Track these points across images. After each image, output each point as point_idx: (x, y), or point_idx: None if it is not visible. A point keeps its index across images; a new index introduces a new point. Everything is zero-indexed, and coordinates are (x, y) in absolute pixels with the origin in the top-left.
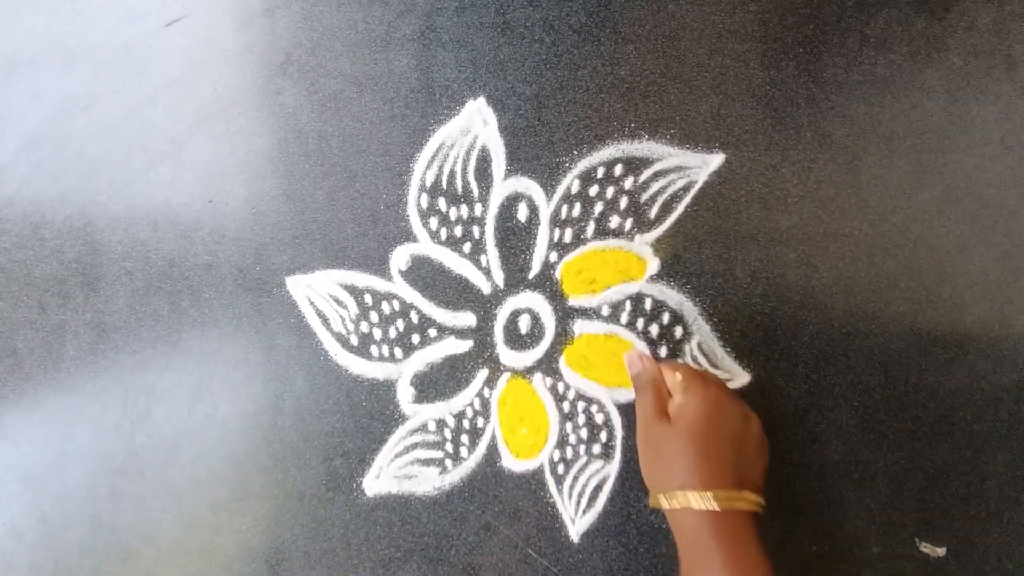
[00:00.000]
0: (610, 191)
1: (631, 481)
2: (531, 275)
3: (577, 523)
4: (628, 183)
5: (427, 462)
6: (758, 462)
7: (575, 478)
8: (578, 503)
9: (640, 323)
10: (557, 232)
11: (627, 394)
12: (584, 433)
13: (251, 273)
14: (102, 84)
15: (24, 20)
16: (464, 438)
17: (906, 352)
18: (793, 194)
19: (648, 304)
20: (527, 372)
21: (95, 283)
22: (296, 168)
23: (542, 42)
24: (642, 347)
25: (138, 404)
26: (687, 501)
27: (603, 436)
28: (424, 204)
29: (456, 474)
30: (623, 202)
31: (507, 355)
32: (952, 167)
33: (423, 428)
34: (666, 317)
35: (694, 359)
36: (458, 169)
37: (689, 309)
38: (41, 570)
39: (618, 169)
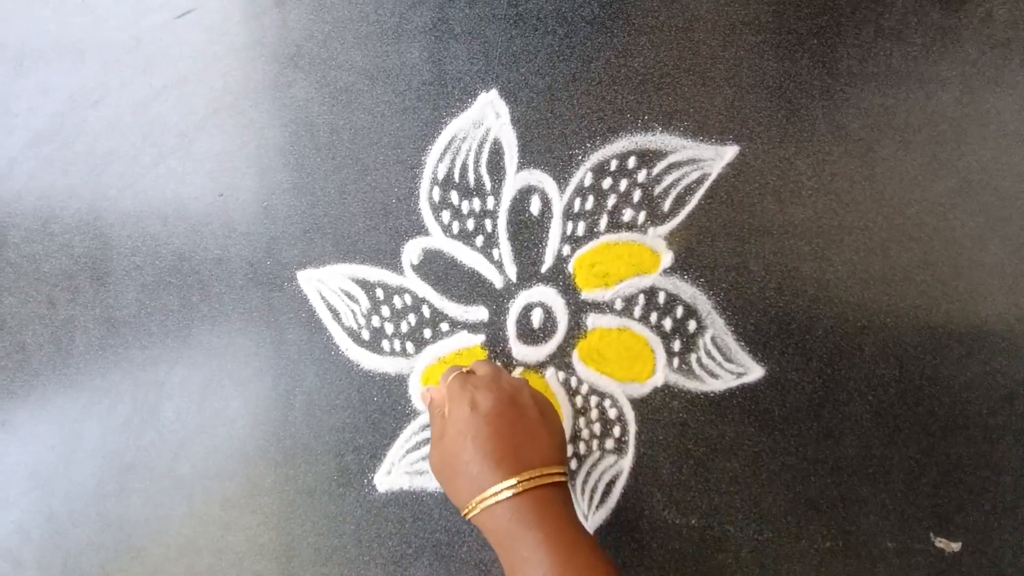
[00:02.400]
0: (623, 184)
1: (644, 476)
2: (544, 269)
3: (590, 518)
4: (641, 176)
5: None
6: (542, 435)
7: (588, 473)
8: (591, 498)
9: (653, 317)
10: (570, 225)
11: (640, 388)
12: (597, 428)
13: (262, 267)
14: (111, 78)
15: (33, 14)
16: None
17: (921, 346)
18: (807, 186)
19: (661, 298)
20: (539, 367)
21: (105, 278)
22: (307, 161)
23: (555, 34)
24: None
25: (148, 400)
26: (482, 504)
27: (616, 431)
28: (436, 197)
29: None
30: (636, 195)
31: (519, 349)
32: (967, 159)
33: None
34: (680, 311)
35: (707, 353)
36: (470, 162)
37: (703, 302)
38: (49, 568)
39: (631, 162)
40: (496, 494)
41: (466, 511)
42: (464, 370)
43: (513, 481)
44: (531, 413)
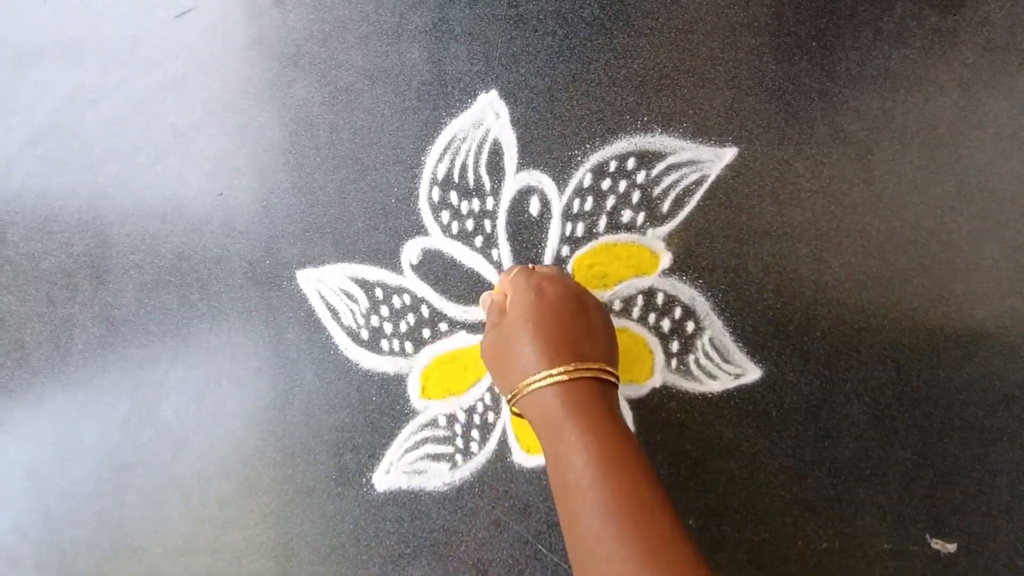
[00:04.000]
0: (622, 185)
1: None
2: None
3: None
4: (640, 177)
5: (437, 457)
6: (601, 336)
7: None
8: None
9: (652, 318)
10: (569, 226)
11: (638, 389)
12: None
13: (261, 267)
14: (110, 77)
15: (32, 13)
16: (474, 433)
17: (918, 348)
18: (806, 189)
19: (660, 299)
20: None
21: (103, 276)
22: (307, 161)
23: (555, 35)
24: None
25: (146, 399)
26: (533, 386)
27: None
28: (436, 197)
29: (466, 469)
30: (635, 196)
31: None
32: (965, 162)
33: (433, 423)
34: (678, 312)
35: (706, 354)
36: (470, 162)
37: (701, 304)
38: (46, 566)
39: (631, 163)
40: (549, 376)
41: (513, 394)
42: (530, 267)
43: (570, 367)
44: (593, 313)
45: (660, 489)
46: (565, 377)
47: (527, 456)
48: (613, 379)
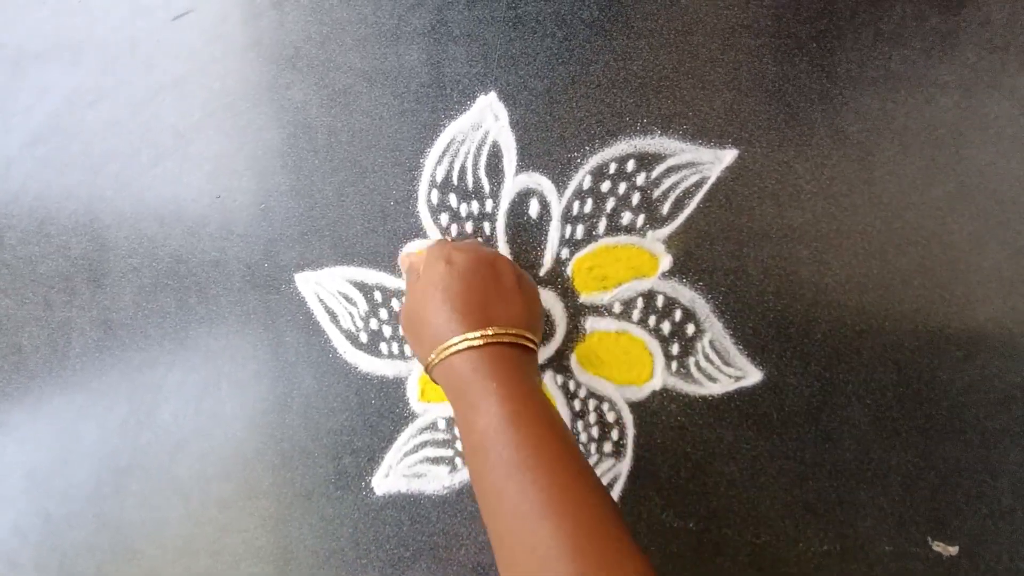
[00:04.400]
0: (622, 187)
1: (642, 480)
2: (542, 272)
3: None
4: (640, 179)
5: (437, 460)
6: (516, 301)
7: None
8: None
9: (652, 320)
10: (568, 228)
11: (638, 392)
12: (595, 431)
13: (259, 270)
14: (108, 79)
15: (30, 14)
16: None
17: (919, 350)
18: (806, 190)
19: (660, 301)
20: (538, 370)
21: (101, 279)
22: (305, 163)
23: (554, 36)
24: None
25: (144, 402)
26: (444, 353)
27: (614, 435)
28: (435, 200)
29: (466, 473)
30: (635, 198)
31: None
32: (966, 163)
33: (432, 426)
34: (678, 314)
35: (706, 356)
36: (469, 165)
37: (701, 306)
38: (46, 569)
39: (630, 165)
40: (457, 344)
41: (428, 363)
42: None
43: (476, 333)
44: (507, 278)
45: (568, 443)
46: (478, 343)
47: None
48: (530, 344)
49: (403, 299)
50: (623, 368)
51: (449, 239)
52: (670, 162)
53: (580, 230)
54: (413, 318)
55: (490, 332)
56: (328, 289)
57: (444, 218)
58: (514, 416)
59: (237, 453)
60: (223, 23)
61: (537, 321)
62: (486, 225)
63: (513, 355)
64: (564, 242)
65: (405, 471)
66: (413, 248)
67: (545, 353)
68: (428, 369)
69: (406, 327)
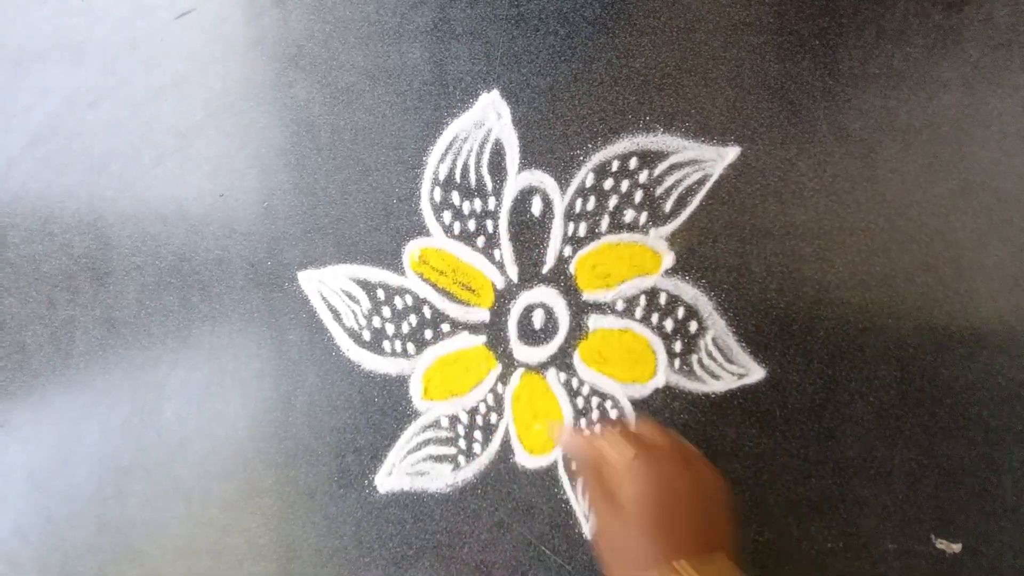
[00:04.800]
0: (625, 185)
1: None
2: (545, 269)
3: (591, 520)
4: (643, 176)
5: (440, 459)
6: (723, 524)
7: None
8: None
9: (655, 318)
10: (571, 226)
11: (642, 390)
12: (598, 429)
13: (262, 268)
14: (110, 78)
15: (31, 14)
16: (477, 434)
17: (922, 347)
18: (809, 188)
19: (663, 299)
20: (541, 367)
21: (104, 278)
22: (308, 162)
23: (556, 34)
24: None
25: (147, 401)
26: None
27: None
28: (437, 198)
29: (469, 471)
30: (638, 196)
31: (521, 350)
32: (969, 161)
33: (436, 424)
34: (681, 311)
35: (709, 354)
36: (472, 162)
37: (704, 303)
38: (47, 570)
39: (633, 162)
40: None
41: None
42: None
43: (689, 564)
44: (718, 503)
45: None
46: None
47: (530, 457)
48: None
49: (596, 514)
50: (626, 366)
51: (634, 432)
52: (673, 160)
53: (583, 228)
54: (617, 542)
55: (703, 559)
56: (331, 287)
57: (447, 216)
58: None
59: (240, 452)
60: (225, 22)
61: (730, 532)
62: (489, 223)
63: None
64: (567, 240)
65: (408, 469)
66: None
67: (548, 351)
68: None
69: (606, 548)
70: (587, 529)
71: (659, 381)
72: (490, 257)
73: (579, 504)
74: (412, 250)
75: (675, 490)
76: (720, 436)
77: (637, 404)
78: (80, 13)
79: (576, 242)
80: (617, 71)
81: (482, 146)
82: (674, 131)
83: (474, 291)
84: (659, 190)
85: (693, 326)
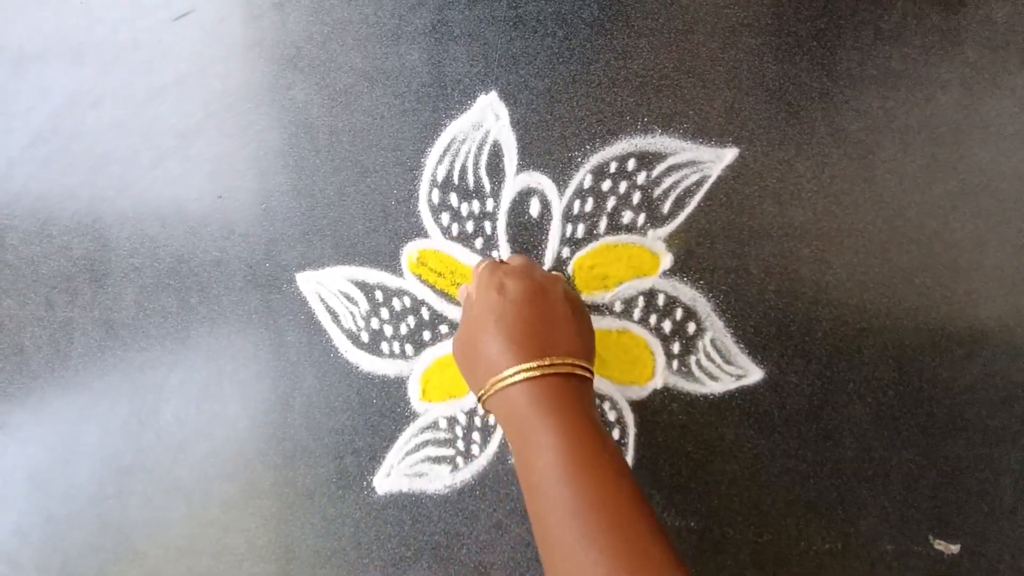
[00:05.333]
0: (623, 186)
1: (644, 478)
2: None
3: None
4: (641, 178)
5: (438, 460)
6: (570, 330)
7: None
8: None
9: (653, 319)
10: (569, 227)
11: (640, 391)
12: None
13: (261, 269)
14: (110, 79)
15: (31, 15)
16: (475, 435)
17: (920, 348)
18: (807, 189)
19: (661, 300)
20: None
21: (103, 280)
22: (306, 163)
23: (554, 36)
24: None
25: (146, 402)
26: (499, 384)
27: (616, 433)
28: (435, 199)
29: (467, 472)
30: (636, 197)
31: None
32: (967, 161)
33: (434, 425)
34: (679, 313)
35: (707, 355)
36: (470, 164)
37: (702, 305)
38: (48, 570)
39: (631, 164)
40: (513, 375)
41: (481, 394)
42: (497, 259)
43: (532, 364)
44: (560, 305)
45: (632, 488)
46: (533, 374)
47: None
48: (586, 374)
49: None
50: (624, 367)
51: (500, 259)
52: (671, 161)
53: (581, 229)
54: (466, 348)
55: (547, 362)
56: (329, 288)
57: (445, 217)
58: (574, 458)
59: (239, 453)
60: (224, 23)
61: (591, 348)
62: (487, 224)
63: (570, 386)
64: (565, 241)
65: (406, 470)
66: (464, 284)
67: None
68: (481, 400)
69: (458, 356)
70: None
71: (657, 382)
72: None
73: None
74: (410, 251)
75: (514, 291)
76: (718, 437)
77: (635, 405)
78: (80, 14)
79: (574, 243)
80: (615, 73)
81: (480, 148)
82: (672, 132)
83: None
84: (657, 191)
85: (691, 327)
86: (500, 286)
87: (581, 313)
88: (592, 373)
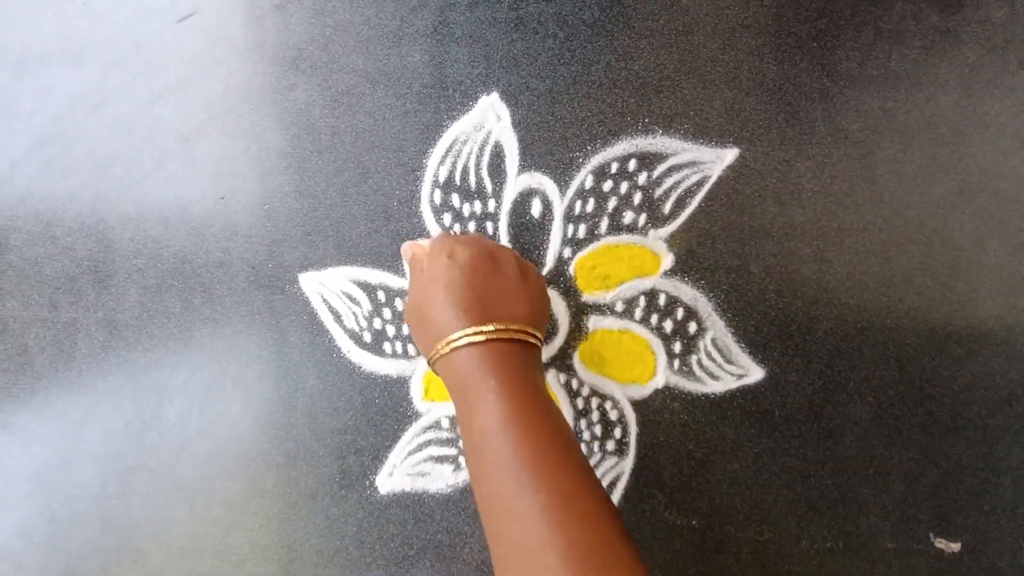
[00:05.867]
0: (624, 186)
1: (645, 478)
2: (545, 271)
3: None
4: (642, 178)
5: (441, 459)
6: (519, 296)
7: None
8: None
9: (654, 319)
10: (571, 228)
11: (641, 390)
12: (598, 430)
13: (263, 270)
14: (112, 81)
15: (33, 17)
16: None
17: (920, 347)
18: (807, 189)
19: (662, 300)
20: (541, 366)
21: (106, 280)
22: (308, 164)
23: (555, 37)
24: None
25: (149, 402)
26: (446, 348)
27: (617, 433)
28: (437, 200)
29: None
30: (637, 197)
31: None
32: (966, 161)
33: (436, 425)
34: (680, 312)
35: (708, 354)
36: (471, 165)
37: (703, 304)
38: (51, 570)
39: (632, 164)
40: (458, 339)
41: (430, 357)
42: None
43: (478, 328)
44: (510, 273)
45: (570, 441)
46: (479, 338)
47: None
48: (534, 340)
49: (407, 293)
50: (626, 366)
51: (453, 232)
52: (671, 161)
53: (582, 229)
54: (416, 312)
55: (491, 328)
56: (332, 289)
57: (447, 218)
58: (513, 416)
59: (242, 453)
60: (226, 25)
61: (542, 316)
62: (488, 225)
63: (515, 351)
64: (566, 241)
65: (409, 470)
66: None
67: (548, 352)
68: (431, 363)
69: (409, 320)
70: None
71: (659, 382)
72: None
73: None
74: None
75: (463, 256)
76: (719, 436)
77: (637, 405)
78: (82, 16)
79: (575, 243)
80: (616, 74)
81: (482, 148)
82: (673, 133)
83: None
84: (658, 192)
85: (692, 327)
86: (451, 251)
87: (534, 280)
88: (541, 341)
